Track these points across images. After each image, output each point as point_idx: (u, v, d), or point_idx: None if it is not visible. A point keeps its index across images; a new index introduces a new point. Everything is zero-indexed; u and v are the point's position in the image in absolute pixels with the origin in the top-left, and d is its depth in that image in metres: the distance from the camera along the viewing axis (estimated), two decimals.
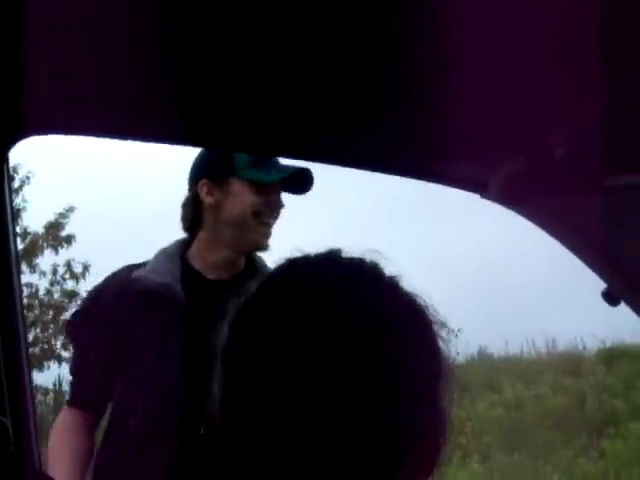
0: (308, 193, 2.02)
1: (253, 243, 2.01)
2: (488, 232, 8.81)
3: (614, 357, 9.35)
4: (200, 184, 2.01)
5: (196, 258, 2.03)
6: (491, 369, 9.49)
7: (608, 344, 9.81)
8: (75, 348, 2.17)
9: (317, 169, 1.96)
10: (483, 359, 10.05)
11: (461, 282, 10.28)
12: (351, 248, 0.80)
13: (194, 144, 1.35)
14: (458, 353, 9.94)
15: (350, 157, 1.39)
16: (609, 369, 9.07)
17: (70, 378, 2.11)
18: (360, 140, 1.26)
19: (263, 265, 2.05)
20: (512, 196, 1.27)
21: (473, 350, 10.06)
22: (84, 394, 2.03)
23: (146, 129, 1.21)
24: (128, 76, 1.05)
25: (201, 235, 2.04)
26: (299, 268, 0.78)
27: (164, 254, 2.05)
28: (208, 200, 2.00)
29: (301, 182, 2.00)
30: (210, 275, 2.02)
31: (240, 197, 1.98)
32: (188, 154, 2.07)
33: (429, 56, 0.98)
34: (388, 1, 0.89)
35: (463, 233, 10.68)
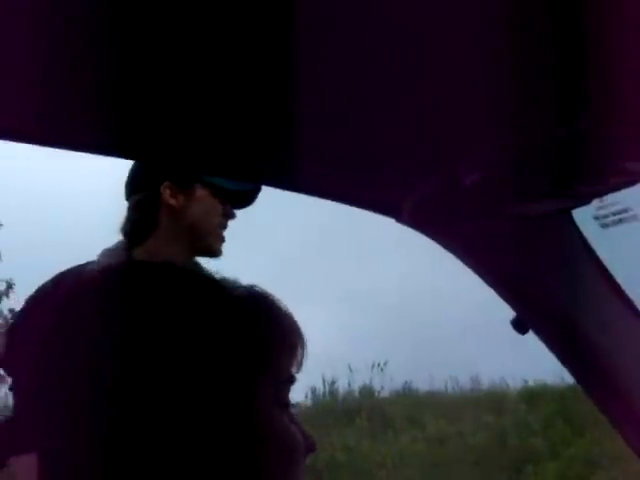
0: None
1: (212, 248, 2.04)
2: (414, 267, 8.90)
3: (535, 397, 9.51)
4: (163, 187, 2.01)
5: (147, 257, 1.98)
6: (415, 404, 9.54)
7: (530, 384, 9.97)
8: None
9: None
10: (407, 394, 10.11)
11: (388, 317, 10.35)
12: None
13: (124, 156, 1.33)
14: (383, 387, 10.03)
15: (269, 178, 1.41)
16: (530, 408, 9.20)
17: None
18: (277, 162, 1.27)
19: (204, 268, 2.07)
20: (423, 220, 1.29)
21: (398, 385, 10.12)
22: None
23: (82, 139, 1.19)
24: (57, 82, 1.04)
25: (156, 237, 2.03)
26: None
27: (109, 253, 2.01)
28: (172, 202, 2.01)
29: (249, 198, 2.07)
30: None
31: (207, 202, 2.02)
32: (113, 167, 2.06)
33: (342, 81, 1.00)
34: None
35: (389, 268, 10.75)
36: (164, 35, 0.92)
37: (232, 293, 0.78)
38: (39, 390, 0.75)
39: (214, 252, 2.06)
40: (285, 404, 0.78)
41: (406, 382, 10.16)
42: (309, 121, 1.11)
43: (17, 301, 8.93)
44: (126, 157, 1.22)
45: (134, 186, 2.07)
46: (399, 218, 1.35)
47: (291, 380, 0.80)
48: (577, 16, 0.86)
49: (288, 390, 0.80)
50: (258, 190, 2.05)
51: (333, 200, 1.36)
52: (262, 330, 0.77)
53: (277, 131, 1.15)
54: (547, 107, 1.06)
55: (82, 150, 1.18)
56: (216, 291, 0.77)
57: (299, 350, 0.80)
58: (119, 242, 2.05)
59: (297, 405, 8.91)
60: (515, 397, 9.76)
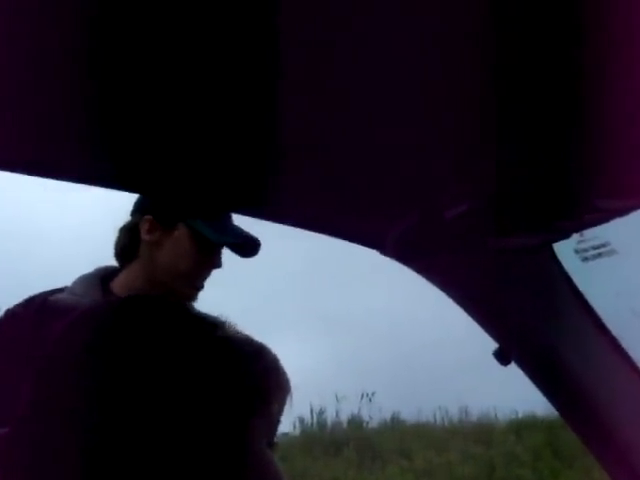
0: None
1: (178, 292, 1.95)
2: (403, 298, 8.90)
3: (524, 428, 9.47)
4: (144, 219, 1.96)
5: (121, 288, 1.95)
6: (403, 435, 9.49)
7: (520, 415, 9.95)
8: None
9: None
10: (396, 425, 10.06)
11: (376, 347, 10.33)
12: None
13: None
14: (371, 418, 9.98)
15: (256, 210, 1.42)
16: (519, 439, 9.17)
17: None
18: (264, 194, 1.28)
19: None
20: (406, 253, 1.31)
21: (386, 415, 10.08)
22: None
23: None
24: (46, 112, 1.04)
25: (133, 267, 1.99)
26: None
27: (84, 279, 1.97)
28: (147, 237, 1.96)
29: (248, 249, 1.99)
30: None
31: (182, 245, 1.95)
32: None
33: (326, 115, 1.02)
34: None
35: (378, 298, 10.74)
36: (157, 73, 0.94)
37: (228, 336, 0.79)
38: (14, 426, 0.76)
39: (183, 297, 1.95)
40: (273, 444, 0.80)
41: (394, 413, 10.13)
42: (295, 154, 1.13)
43: None
44: (101, 185, 1.23)
45: (132, 209, 2.03)
46: (383, 251, 1.37)
47: (279, 421, 0.82)
48: (558, 59, 0.88)
49: (276, 430, 0.81)
50: (253, 244, 1.97)
51: (319, 232, 1.38)
52: (255, 373, 0.79)
53: (263, 163, 1.16)
54: (527, 144, 1.08)
55: (68, 179, 1.19)
56: (211, 332, 0.78)
57: (288, 394, 0.82)
58: (95, 270, 2.01)
59: (285, 435, 8.86)
60: (504, 428, 9.72)
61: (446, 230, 1.21)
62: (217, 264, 2.00)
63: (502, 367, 1.42)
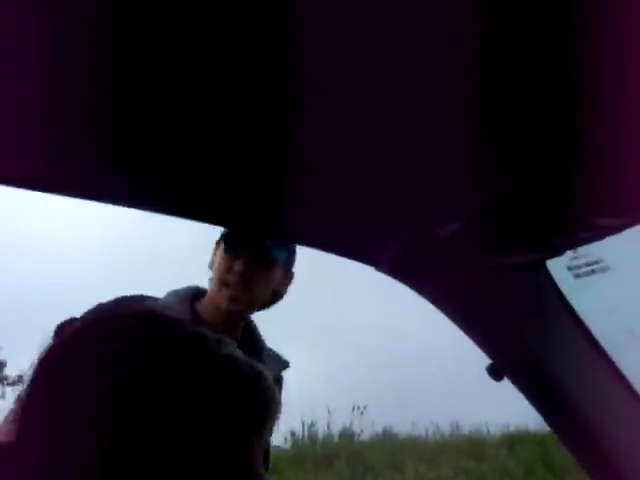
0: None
1: (218, 305, 1.97)
2: (396, 311, 8.89)
3: (516, 442, 9.45)
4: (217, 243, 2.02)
5: (204, 311, 2.00)
6: (395, 449, 9.47)
7: (512, 429, 9.94)
8: None
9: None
10: (387, 438, 10.04)
11: (368, 360, 10.31)
12: None
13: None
14: (362, 431, 9.96)
15: (255, 226, 1.43)
16: (511, 454, 9.15)
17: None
18: (262, 210, 1.29)
19: (257, 333, 2.07)
20: (401, 270, 1.32)
21: (378, 429, 10.05)
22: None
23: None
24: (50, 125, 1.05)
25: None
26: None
27: (175, 295, 2.01)
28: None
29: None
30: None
31: (217, 256, 1.98)
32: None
33: (324, 135, 1.03)
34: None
35: (370, 311, 10.74)
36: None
37: (230, 354, 0.80)
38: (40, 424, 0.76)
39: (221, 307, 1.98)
40: (267, 463, 0.81)
41: (386, 426, 10.11)
42: (292, 172, 1.14)
43: None
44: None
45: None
46: (378, 267, 1.37)
47: (269, 442, 0.83)
48: (556, 77, 0.89)
49: (268, 450, 0.82)
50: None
51: (313, 247, 1.39)
52: (258, 392, 0.79)
53: (261, 180, 1.17)
54: (522, 163, 1.09)
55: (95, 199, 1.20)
56: (214, 350, 0.79)
57: (278, 414, 0.83)
58: (186, 288, 2.05)
59: (277, 448, 8.83)
60: (496, 442, 9.69)
61: (440, 247, 1.22)
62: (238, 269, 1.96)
63: (493, 381, 1.43)
